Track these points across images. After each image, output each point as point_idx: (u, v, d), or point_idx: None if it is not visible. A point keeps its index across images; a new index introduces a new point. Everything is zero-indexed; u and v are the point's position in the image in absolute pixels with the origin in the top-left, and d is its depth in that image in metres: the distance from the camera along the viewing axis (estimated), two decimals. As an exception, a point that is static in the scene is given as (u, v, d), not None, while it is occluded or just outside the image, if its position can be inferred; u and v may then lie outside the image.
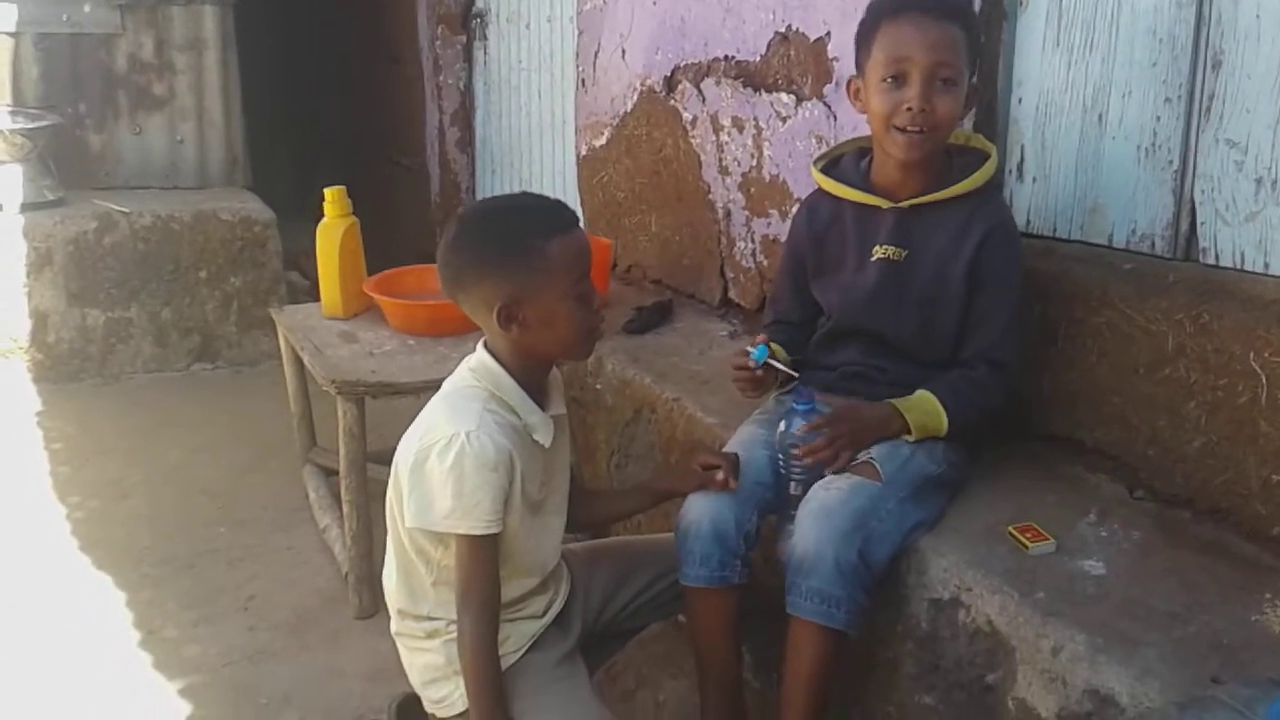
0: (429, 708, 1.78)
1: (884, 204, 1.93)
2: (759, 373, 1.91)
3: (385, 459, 2.97)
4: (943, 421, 1.84)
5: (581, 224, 1.71)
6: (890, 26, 1.83)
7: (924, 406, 1.85)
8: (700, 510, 1.81)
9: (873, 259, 1.94)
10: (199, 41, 4.42)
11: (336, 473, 2.63)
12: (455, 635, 1.65)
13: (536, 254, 1.60)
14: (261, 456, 3.32)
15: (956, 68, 1.82)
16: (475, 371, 1.68)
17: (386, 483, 3.03)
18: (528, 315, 1.62)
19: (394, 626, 1.79)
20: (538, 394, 1.71)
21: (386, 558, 1.78)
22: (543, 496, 1.73)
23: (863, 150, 2.02)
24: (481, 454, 1.57)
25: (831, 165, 2.05)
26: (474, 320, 1.69)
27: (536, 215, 1.64)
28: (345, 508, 2.52)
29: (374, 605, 2.51)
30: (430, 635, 1.72)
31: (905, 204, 1.91)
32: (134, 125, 4.40)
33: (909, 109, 1.81)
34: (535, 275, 1.60)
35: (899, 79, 1.82)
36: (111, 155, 4.38)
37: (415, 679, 1.78)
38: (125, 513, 2.99)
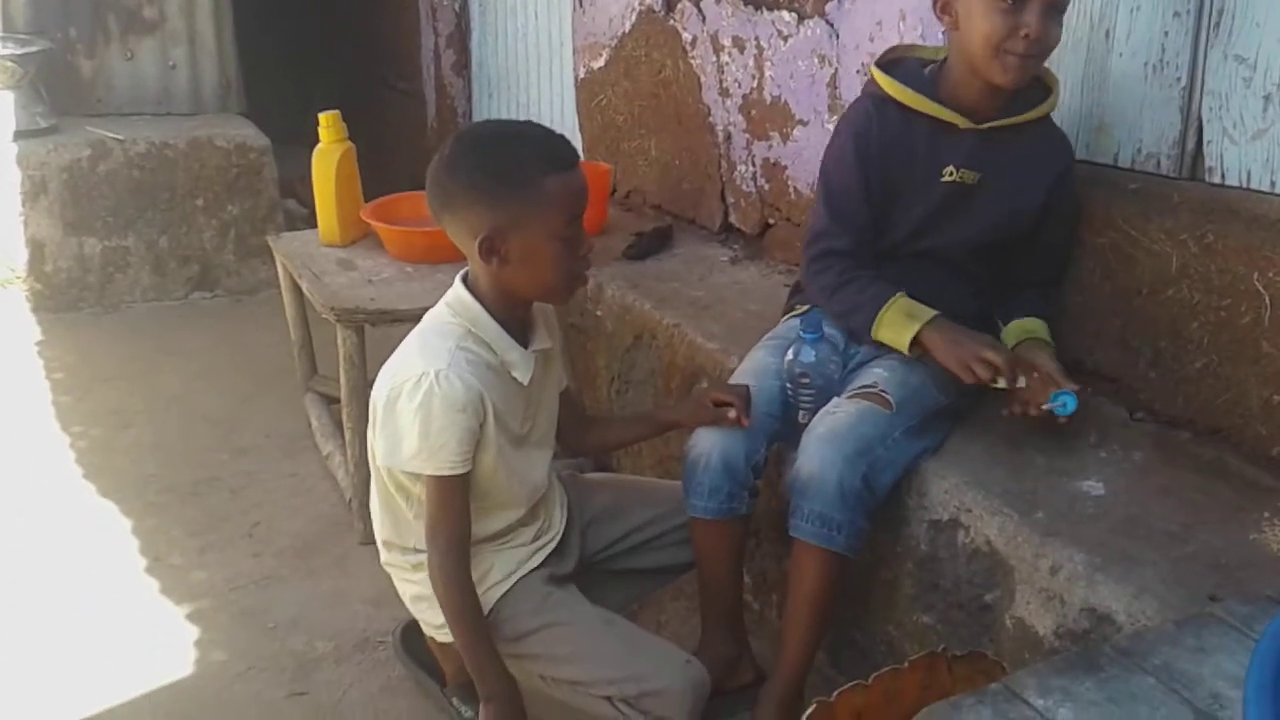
0: (427, 631, 1.80)
1: (963, 123, 1.87)
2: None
3: (386, 386, 3.00)
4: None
5: (581, 159, 1.66)
6: None
7: (1047, 334, 1.89)
8: (710, 442, 1.80)
9: (943, 179, 1.89)
10: (188, -37, 4.33)
11: (338, 400, 2.64)
12: None
13: (532, 187, 1.55)
14: (262, 385, 3.32)
15: None
16: (452, 307, 1.64)
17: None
18: (511, 249, 1.57)
19: (383, 557, 1.80)
20: (519, 329, 1.67)
21: (371, 491, 1.77)
22: (525, 430, 1.71)
23: (923, 60, 1.95)
24: (449, 394, 1.55)
25: (889, 70, 1.93)
26: (457, 246, 1.65)
27: (538, 147, 1.59)
28: (347, 434, 2.53)
29: (378, 531, 2.53)
30: (416, 568, 1.71)
31: (984, 126, 1.86)
32: (125, 50, 4.32)
33: (1027, 35, 1.73)
34: (526, 209, 1.56)
35: (1019, 2, 1.73)
36: (103, 81, 4.31)
37: (409, 606, 1.80)
38: (128, 441, 3.00)
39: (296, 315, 3.03)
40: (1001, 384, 1.73)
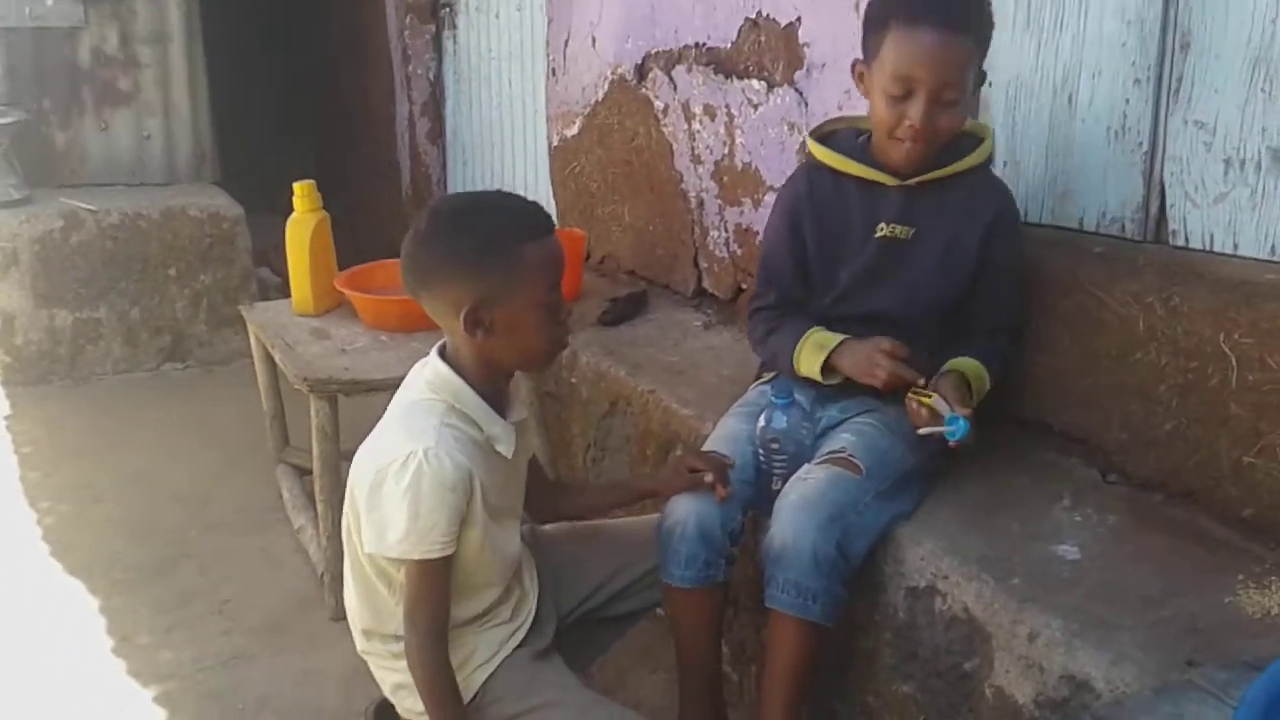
0: (404, 714, 1.76)
1: (890, 180, 1.91)
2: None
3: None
4: (985, 386, 1.86)
5: (556, 225, 1.66)
6: (900, 34, 1.78)
7: (977, 372, 1.85)
8: (685, 510, 1.79)
9: (877, 236, 1.92)
10: (164, 34, 4.35)
11: (310, 472, 2.61)
12: None
13: (512, 257, 1.54)
14: (234, 457, 3.29)
15: (963, 85, 1.80)
16: (432, 384, 1.61)
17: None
18: (495, 320, 1.56)
19: (360, 646, 1.75)
20: (498, 401, 1.65)
21: (345, 577, 1.73)
22: (502, 503, 1.69)
23: (858, 129, 2.00)
24: (439, 473, 1.52)
25: (825, 140, 2.00)
26: (435, 320, 1.63)
27: (513, 216, 1.59)
28: (319, 507, 2.50)
29: (350, 604, 2.49)
30: (398, 656, 1.66)
31: (912, 181, 1.89)
32: (99, 121, 4.33)
33: (910, 125, 1.80)
34: (509, 279, 1.55)
35: (903, 93, 1.79)
36: (77, 152, 4.31)
37: (390, 695, 1.75)
38: (96, 517, 2.95)
39: (269, 385, 3.01)
40: (928, 397, 1.74)
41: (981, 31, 1.84)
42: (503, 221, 1.57)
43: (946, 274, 1.91)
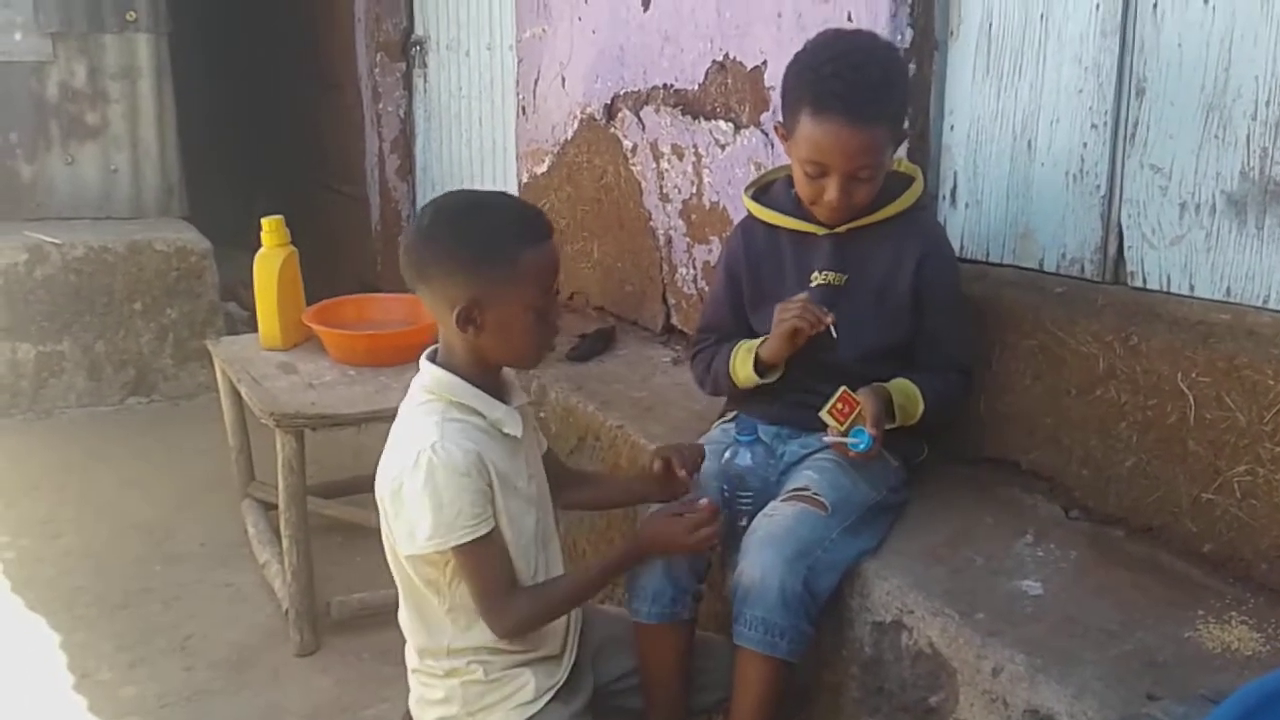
0: None
1: (819, 230, 1.95)
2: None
3: (325, 492, 2.97)
4: (918, 408, 1.87)
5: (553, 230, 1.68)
6: (810, 121, 1.81)
7: (905, 390, 1.87)
8: None
9: (812, 284, 1.96)
10: (132, 70, 4.36)
11: (275, 507, 2.59)
12: (473, 677, 1.65)
13: (509, 262, 1.57)
14: (199, 491, 3.26)
15: (878, 164, 1.84)
16: (427, 387, 1.65)
17: (326, 516, 3.00)
18: (487, 319, 1.59)
19: (411, 663, 1.75)
20: (496, 390, 1.68)
21: (400, 597, 1.73)
22: (534, 489, 1.71)
23: (792, 178, 2.04)
24: (450, 461, 1.55)
25: (762, 192, 2.06)
26: (429, 311, 1.67)
27: (513, 221, 1.61)
28: (285, 543, 2.48)
29: (315, 642, 2.47)
30: (449, 674, 1.67)
31: (841, 229, 1.93)
32: (66, 155, 4.32)
33: (829, 200, 1.84)
34: (504, 283, 1.58)
35: (818, 173, 1.84)
36: (43, 185, 4.30)
37: (424, 715, 1.73)
38: (57, 552, 2.92)
39: (235, 420, 2.99)
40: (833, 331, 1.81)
41: (892, 109, 1.86)
42: (502, 225, 1.60)
43: (882, 318, 1.93)
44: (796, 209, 1.97)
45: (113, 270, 4.00)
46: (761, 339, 1.93)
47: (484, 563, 1.59)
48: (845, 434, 1.79)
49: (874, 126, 1.81)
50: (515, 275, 1.58)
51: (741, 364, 1.95)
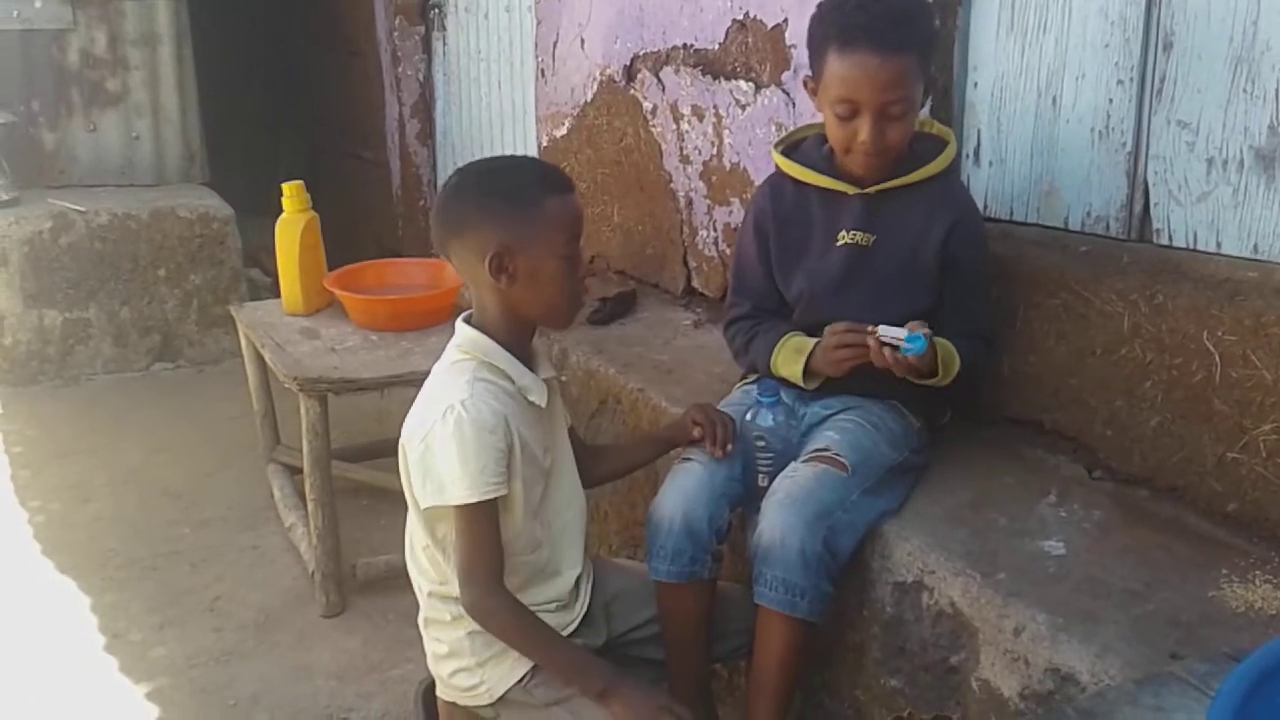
0: (449, 695, 1.76)
1: (850, 189, 1.93)
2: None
3: (349, 455, 2.99)
4: (954, 367, 1.84)
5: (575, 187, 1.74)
6: (837, 58, 1.80)
7: (946, 348, 1.84)
8: (673, 506, 1.80)
9: (838, 244, 1.94)
10: (153, 36, 4.36)
11: (301, 470, 2.62)
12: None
13: (535, 207, 1.64)
14: (225, 456, 3.29)
15: (909, 98, 1.82)
16: (460, 347, 1.70)
17: (351, 479, 3.02)
18: (518, 266, 1.64)
19: (423, 611, 1.77)
20: (525, 358, 1.72)
21: (407, 541, 1.76)
22: (549, 462, 1.73)
23: (823, 136, 2.02)
24: (478, 418, 1.59)
25: (792, 149, 2.04)
26: (461, 272, 1.72)
27: (537, 173, 1.70)
28: (310, 506, 2.51)
29: (341, 603, 2.50)
30: (455, 621, 1.70)
31: (872, 190, 1.91)
32: (88, 122, 4.33)
33: (862, 142, 1.82)
34: (532, 227, 1.63)
35: (849, 113, 1.82)
36: (65, 153, 4.31)
37: (441, 670, 1.75)
38: (88, 516, 2.96)
39: (259, 385, 3.01)
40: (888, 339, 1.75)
41: (919, 40, 1.84)
42: (527, 177, 1.69)
43: (908, 281, 1.92)
44: (828, 166, 1.95)
45: (136, 237, 4.02)
46: (813, 343, 1.89)
47: (484, 529, 1.62)
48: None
49: (902, 55, 1.79)
50: (543, 219, 1.64)
51: (785, 363, 1.93)
